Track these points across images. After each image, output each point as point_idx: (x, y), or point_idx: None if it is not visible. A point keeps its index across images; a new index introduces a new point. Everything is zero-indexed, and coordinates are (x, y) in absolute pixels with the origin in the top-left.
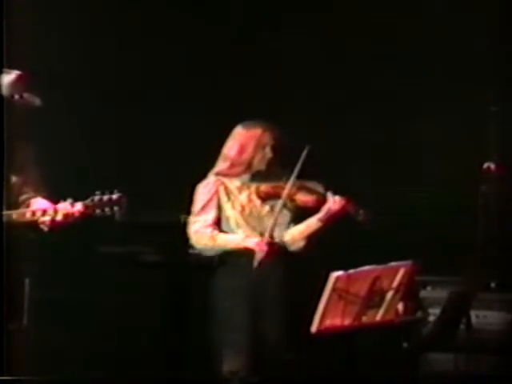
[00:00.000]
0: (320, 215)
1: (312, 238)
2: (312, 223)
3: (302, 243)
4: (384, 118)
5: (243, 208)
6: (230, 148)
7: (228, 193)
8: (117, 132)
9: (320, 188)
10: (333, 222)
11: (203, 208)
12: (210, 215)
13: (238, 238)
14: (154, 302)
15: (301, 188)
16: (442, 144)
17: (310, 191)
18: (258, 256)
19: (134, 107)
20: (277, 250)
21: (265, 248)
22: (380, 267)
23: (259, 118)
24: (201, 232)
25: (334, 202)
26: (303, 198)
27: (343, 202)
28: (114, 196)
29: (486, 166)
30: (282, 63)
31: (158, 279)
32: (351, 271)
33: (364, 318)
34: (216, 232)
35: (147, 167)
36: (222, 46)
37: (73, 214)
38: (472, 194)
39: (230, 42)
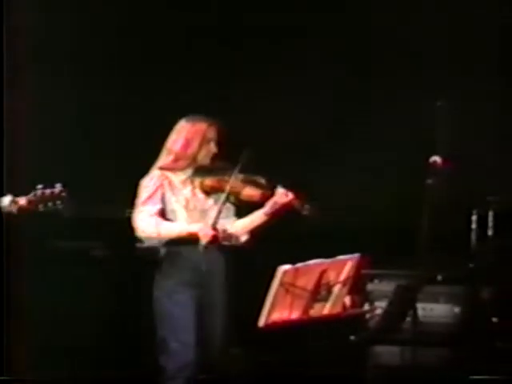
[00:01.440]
0: (265, 209)
1: (255, 232)
2: (256, 217)
3: (244, 237)
4: (331, 112)
5: (187, 202)
6: (175, 142)
7: (172, 187)
8: (64, 128)
9: (264, 182)
10: (277, 216)
11: (148, 199)
12: (155, 207)
13: (182, 224)
14: (100, 297)
15: (245, 182)
16: (389, 138)
17: (254, 185)
18: (203, 241)
19: (81, 103)
20: (221, 236)
21: (209, 233)
22: (327, 261)
23: (204, 113)
24: (145, 221)
25: (281, 196)
26: (248, 192)
27: (290, 196)
28: (56, 190)
29: (432, 159)
30: (228, 60)
31: (105, 274)
32: (299, 265)
33: (311, 312)
34: (160, 220)
35: (94, 162)
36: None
37: (17, 208)
38: (418, 188)
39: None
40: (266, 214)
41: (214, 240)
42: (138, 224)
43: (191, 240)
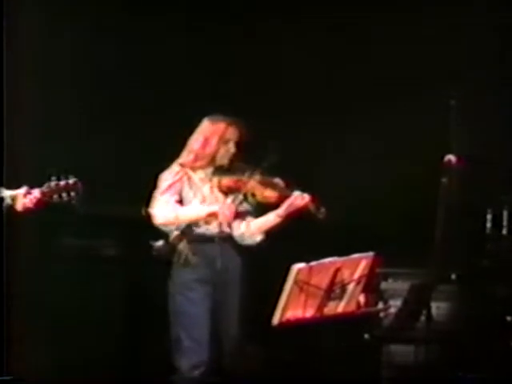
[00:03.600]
0: (280, 211)
1: (269, 233)
2: (270, 219)
3: (258, 237)
4: (346, 111)
5: (204, 199)
6: (195, 141)
7: (191, 183)
8: (79, 125)
9: (282, 184)
10: (291, 217)
11: (166, 190)
12: (173, 197)
13: (201, 206)
14: (113, 296)
15: (262, 183)
16: (404, 137)
17: (271, 187)
18: (221, 220)
19: (98, 102)
20: (239, 215)
21: (228, 212)
22: (342, 259)
23: (226, 113)
24: (163, 208)
25: (296, 198)
26: (264, 193)
27: (307, 199)
28: (70, 181)
29: (446, 158)
30: (250, 61)
31: (119, 272)
32: (313, 263)
33: (326, 310)
34: (177, 205)
35: (109, 160)
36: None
37: (31, 200)
38: (433, 187)
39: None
40: (280, 216)
41: (232, 217)
42: (155, 212)
43: (207, 236)
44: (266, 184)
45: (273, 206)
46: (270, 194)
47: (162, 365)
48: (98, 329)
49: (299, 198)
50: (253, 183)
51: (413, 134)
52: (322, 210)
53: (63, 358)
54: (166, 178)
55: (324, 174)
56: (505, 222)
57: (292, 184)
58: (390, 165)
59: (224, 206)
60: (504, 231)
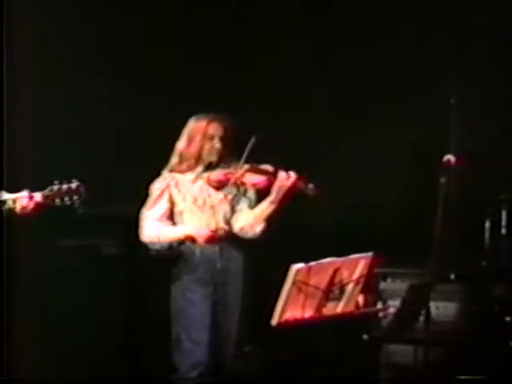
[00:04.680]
0: (271, 197)
1: (269, 223)
2: (264, 206)
3: (258, 229)
4: (343, 108)
5: (195, 199)
6: (180, 142)
7: (179, 186)
8: (77, 127)
9: (270, 169)
10: (285, 201)
11: (153, 203)
12: (160, 209)
13: (180, 228)
14: (113, 295)
15: (250, 171)
16: (402, 137)
17: (260, 173)
18: (200, 242)
19: (96, 101)
20: (221, 235)
21: (203, 233)
22: (340, 259)
23: (227, 114)
24: (148, 227)
25: (283, 180)
26: (252, 179)
27: (293, 178)
28: (73, 185)
29: (445, 158)
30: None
31: (118, 272)
32: (312, 263)
33: (324, 311)
34: (162, 225)
35: (109, 160)
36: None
37: (33, 204)
38: (431, 187)
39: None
40: (273, 202)
41: (213, 239)
42: (142, 230)
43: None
44: (254, 171)
45: (266, 194)
46: (257, 180)
47: (161, 364)
48: (98, 328)
49: (285, 179)
50: (241, 172)
51: (412, 134)
52: (310, 186)
53: (63, 357)
54: (155, 188)
55: (323, 174)
56: (504, 222)
57: (281, 170)
58: (389, 164)
59: (200, 228)
60: (503, 231)
